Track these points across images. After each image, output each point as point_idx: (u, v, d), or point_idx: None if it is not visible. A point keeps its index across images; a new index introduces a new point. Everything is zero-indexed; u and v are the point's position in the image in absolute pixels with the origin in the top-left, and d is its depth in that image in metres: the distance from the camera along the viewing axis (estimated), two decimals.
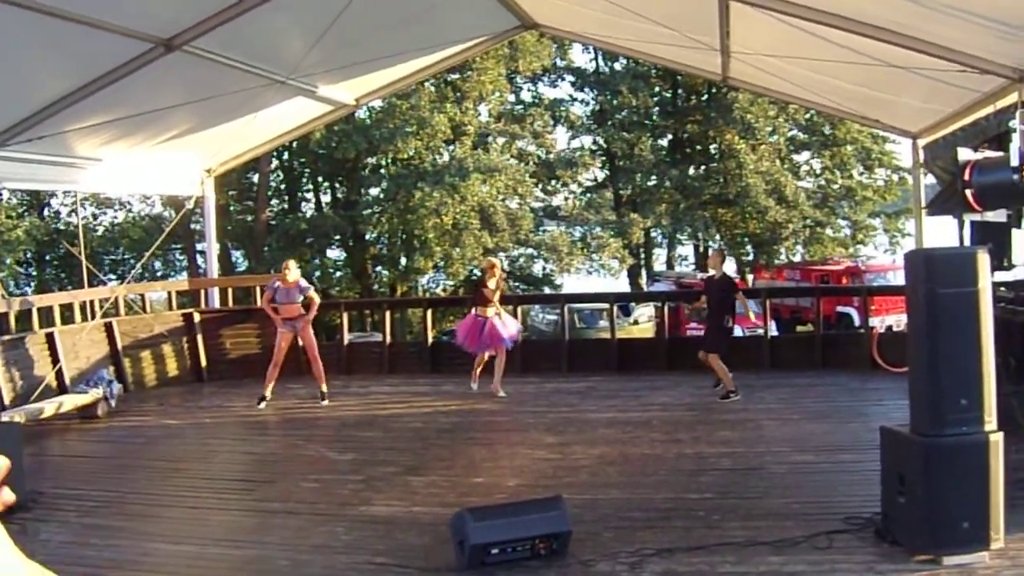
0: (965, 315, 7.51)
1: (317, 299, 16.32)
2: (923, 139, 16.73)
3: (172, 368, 18.87)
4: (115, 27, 12.28)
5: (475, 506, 8.31)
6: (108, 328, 17.78)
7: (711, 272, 16.33)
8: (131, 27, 12.62)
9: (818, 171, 50.77)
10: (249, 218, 45.18)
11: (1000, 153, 9.88)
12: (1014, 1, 8.36)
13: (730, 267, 48.95)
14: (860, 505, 8.88)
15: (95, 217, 45.93)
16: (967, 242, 11.96)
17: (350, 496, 10.60)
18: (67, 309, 17.77)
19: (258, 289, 20.84)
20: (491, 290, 16.38)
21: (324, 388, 16.29)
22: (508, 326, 16.53)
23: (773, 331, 21.62)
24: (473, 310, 16.74)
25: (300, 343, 16.75)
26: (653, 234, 51.43)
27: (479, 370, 16.74)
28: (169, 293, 21.22)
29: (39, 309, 17.34)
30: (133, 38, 12.94)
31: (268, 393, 16.14)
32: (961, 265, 7.64)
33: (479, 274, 17.47)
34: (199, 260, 42.34)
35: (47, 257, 45.84)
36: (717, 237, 50.02)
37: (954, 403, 7.50)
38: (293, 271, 16.12)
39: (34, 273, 46.14)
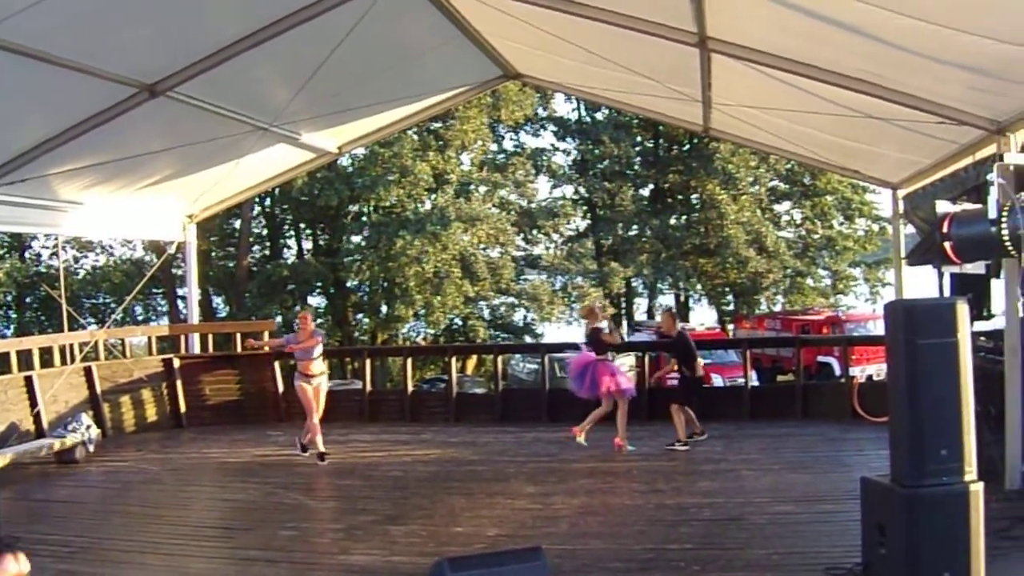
0: (945, 365, 7.53)
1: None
2: (903, 190, 16.81)
3: (151, 413, 18.80)
4: (99, 72, 12.31)
5: (454, 556, 8.26)
6: (87, 372, 17.73)
7: (664, 330, 16.46)
8: (115, 72, 12.66)
9: (799, 221, 51.06)
10: (231, 264, 45.21)
11: (978, 205, 9.93)
12: (989, 47, 8.43)
13: (709, 317, 49.39)
14: (841, 556, 8.85)
15: (76, 260, 46.00)
16: (947, 292, 12.02)
17: (329, 545, 10.56)
18: (46, 352, 17.74)
19: (239, 336, 20.87)
20: (607, 333, 15.96)
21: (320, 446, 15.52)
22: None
23: (754, 381, 21.60)
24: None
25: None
26: (634, 284, 51.50)
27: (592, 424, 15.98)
28: (149, 338, 21.16)
29: (18, 352, 17.27)
30: (117, 83, 12.97)
31: (322, 447, 15.44)
32: (941, 316, 7.67)
33: (584, 321, 16.82)
34: (180, 305, 42.30)
35: (27, 299, 45.71)
36: (698, 287, 50.17)
37: (934, 453, 7.51)
38: (310, 323, 15.67)
39: (14, 315, 46.00)
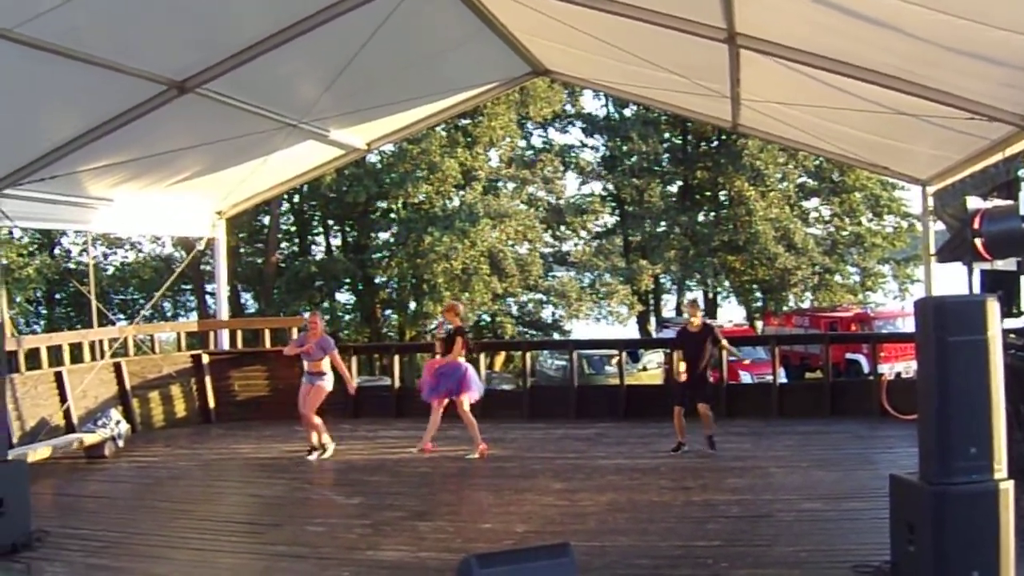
0: (975, 363, 7.49)
1: (336, 356, 15.76)
2: (932, 186, 16.71)
3: (180, 409, 18.87)
4: (129, 69, 12.36)
5: (482, 552, 8.26)
6: (117, 368, 17.80)
7: (687, 321, 15.68)
8: (145, 69, 12.70)
9: (827, 218, 50.86)
10: (259, 260, 45.31)
11: (1009, 202, 9.89)
12: (1019, 42, 8.37)
13: (737, 314, 49.23)
14: (869, 554, 8.81)
15: (105, 256, 46.16)
16: (976, 289, 11.94)
17: (357, 541, 10.55)
18: (76, 348, 17.80)
19: (267, 332, 20.91)
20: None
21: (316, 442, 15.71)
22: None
23: (782, 378, 21.50)
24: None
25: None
26: (662, 280, 51.39)
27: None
28: (178, 334, 21.24)
29: (48, 348, 17.34)
30: (147, 80, 13.01)
31: (317, 443, 15.62)
32: (971, 313, 7.63)
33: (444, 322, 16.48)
34: (209, 301, 42.38)
35: (57, 296, 45.97)
36: (726, 284, 50.05)
37: (964, 451, 7.47)
38: (319, 326, 15.65)
39: (44, 312, 46.19)
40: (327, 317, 43.10)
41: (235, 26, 12.90)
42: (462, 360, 15.50)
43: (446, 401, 15.59)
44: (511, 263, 41.65)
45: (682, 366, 15.62)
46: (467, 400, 15.42)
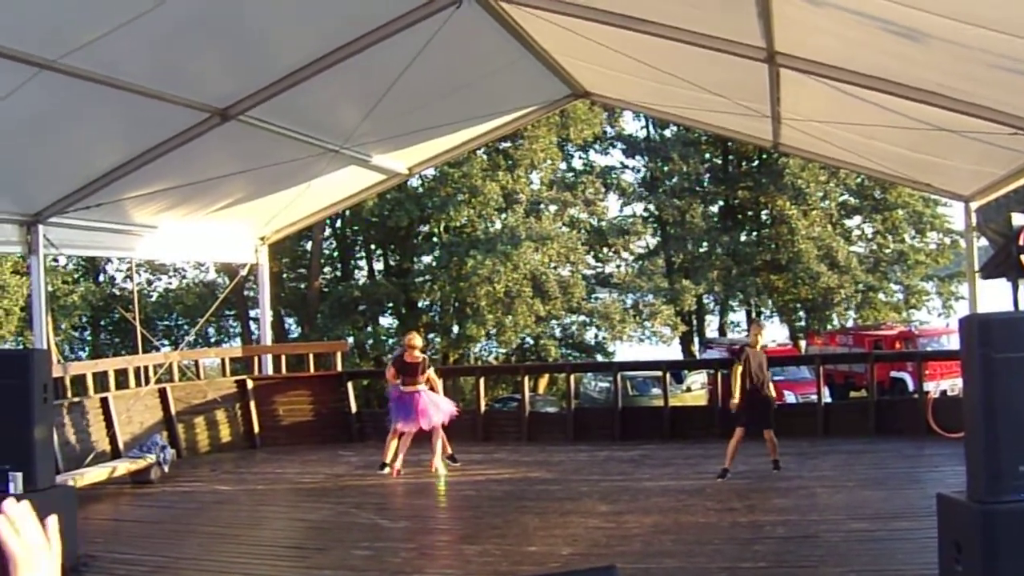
0: (1021, 380, 7.43)
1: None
2: (975, 202, 16.62)
3: (225, 434, 18.93)
4: (172, 97, 12.48)
5: (529, 575, 8.26)
6: (162, 394, 17.89)
7: (749, 342, 15.50)
8: (187, 97, 12.83)
9: (870, 235, 50.58)
10: (302, 285, 45.54)
11: None
12: None
13: (781, 333, 48.95)
14: (916, 573, 8.77)
15: (149, 283, 46.64)
16: (1022, 306, 11.87)
17: (403, 564, 10.55)
18: (121, 374, 17.90)
19: (311, 357, 20.99)
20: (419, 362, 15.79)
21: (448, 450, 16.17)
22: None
23: (826, 397, 21.38)
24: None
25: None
26: (705, 301, 51.27)
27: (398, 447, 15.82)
28: (223, 359, 21.37)
29: (94, 374, 17.48)
30: (189, 108, 13.14)
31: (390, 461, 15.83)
32: (1017, 329, 7.57)
33: (399, 350, 16.48)
34: (252, 327, 42.60)
35: (102, 322, 46.45)
36: (769, 303, 49.86)
37: (1012, 469, 7.40)
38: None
39: (89, 338, 46.68)
40: (371, 341, 43.31)
41: (276, 53, 13.01)
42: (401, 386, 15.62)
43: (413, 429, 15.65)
44: (554, 285, 41.62)
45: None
46: (414, 428, 15.61)
